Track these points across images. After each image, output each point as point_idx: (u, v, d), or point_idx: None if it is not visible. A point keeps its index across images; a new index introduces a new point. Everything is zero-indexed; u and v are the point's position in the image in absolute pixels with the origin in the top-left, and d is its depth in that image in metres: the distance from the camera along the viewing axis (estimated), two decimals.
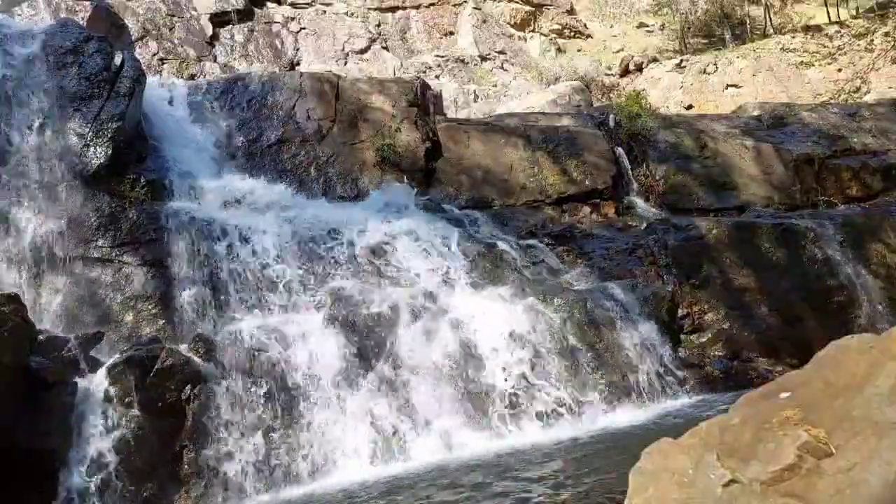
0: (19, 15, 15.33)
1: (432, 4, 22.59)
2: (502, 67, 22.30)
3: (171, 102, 9.90)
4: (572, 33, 25.37)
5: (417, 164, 10.21)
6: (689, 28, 25.68)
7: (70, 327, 6.84)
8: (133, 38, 16.43)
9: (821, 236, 8.78)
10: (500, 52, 22.76)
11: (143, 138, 8.87)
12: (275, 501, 5.54)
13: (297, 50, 19.59)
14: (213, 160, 9.38)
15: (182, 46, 17.31)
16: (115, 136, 8.05)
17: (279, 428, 6.01)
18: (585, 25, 26.28)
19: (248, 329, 6.62)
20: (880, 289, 8.48)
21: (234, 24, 18.63)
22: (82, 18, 14.64)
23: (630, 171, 10.92)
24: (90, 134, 7.97)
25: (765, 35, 23.84)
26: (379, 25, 21.47)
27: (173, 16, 17.72)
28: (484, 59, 22.24)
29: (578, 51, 24.71)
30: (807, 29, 22.75)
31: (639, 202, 10.58)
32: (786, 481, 1.91)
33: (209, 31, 18.15)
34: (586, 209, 10.23)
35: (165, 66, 16.53)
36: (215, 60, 17.66)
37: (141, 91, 8.77)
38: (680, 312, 7.94)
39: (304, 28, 20.12)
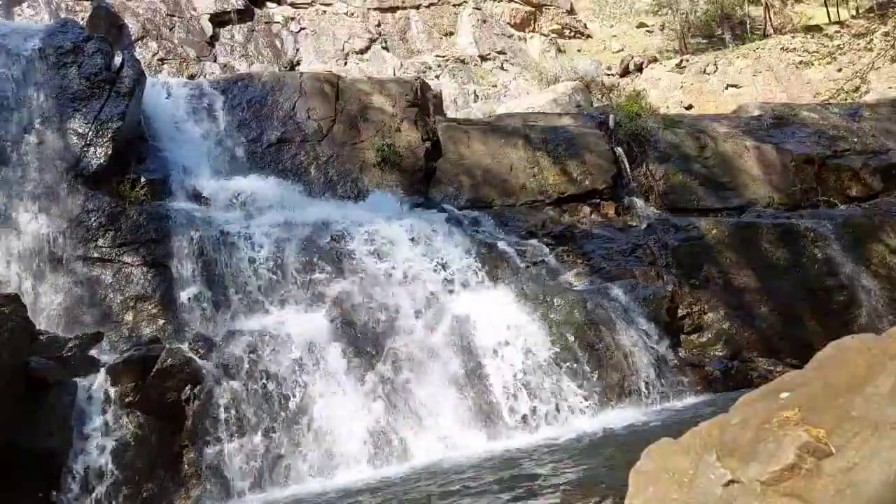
0: (19, 15, 15.32)
1: (432, 4, 22.59)
2: (502, 67, 22.30)
3: (170, 102, 9.90)
4: (572, 33, 25.37)
5: (417, 164, 10.21)
6: (689, 28, 25.68)
7: (70, 327, 6.84)
8: (133, 38, 16.42)
9: (821, 236, 8.77)
10: (500, 52, 22.76)
11: (143, 138, 8.88)
12: (275, 501, 5.54)
13: (297, 50, 19.59)
14: (214, 160, 9.38)
15: (182, 46, 17.31)
16: (115, 136, 8.06)
17: (279, 428, 6.01)
18: (585, 25, 26.29)
19: (248, 329, 6.62)
20: (880, 289, 8.48)
21: (234, 24, 18.62)
22: (82, 18, 14.63)
23: (630, 171, 10.91)
24: (90, 134, 7.98)
25: (765, 35, 23.85)
26: (379, 25, 21.46)
27: (173, 16, 17.72)
28: (484, 59, 22.24)
29: (578, 51, 24.72)
30: (807, 29, 22.75)
31: (639, 202, 10.57)
32: (786, 481, 1.91)
33: (209, 31, 18.14)
34: (586, 209, 10.23)
35: (165, 66, 16.53)
36: (215, 60, 17.66)
37: (141, 91, 8.77)
38: (680, 312, 7.94)
39: (304, 28, 20.12)
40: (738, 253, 8.60)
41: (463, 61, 21.67)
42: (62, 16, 14.84)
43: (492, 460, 5.42)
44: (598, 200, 10.40)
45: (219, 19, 18.44)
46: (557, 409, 6.41)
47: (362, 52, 20.65)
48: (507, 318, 6.99)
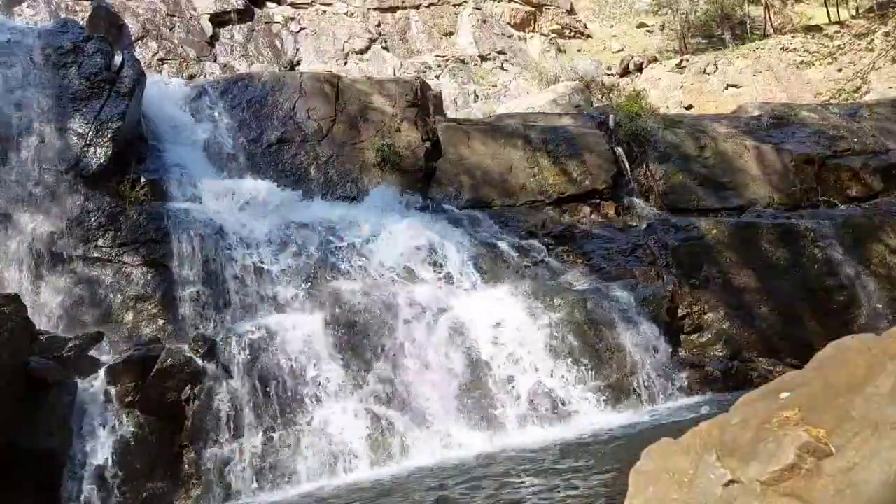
0: (19, 15, 15.32)
1: (432, 4, 22.58)
2: (502, 67, 22.29)
3: (170, 102, 9.90)
4: (572, 33, 25.37)
5: (418, 164, 10.21)
6: (689, 28, 25.67)
7: (70, 327, 6.84)
8: (133, 38, 16.42)
9: (821, 236, 8.77)
10: (500, 52, 22.75)
11: (143, 138, 8.88)
12: (275, 502, 5.54)
13: (297, 50, 19.58)
14: (213, 160, 9.38)
15: (182, 46, 17.30)
16: (115, 136, 8.05)
17: (279, 428, 6.01)
18: (585, 25, 26.29)
19: (248, 329, 6.62)
20: (880, 289, 8.47)
21: (234, 24, 18.62)
22: (82, 18, 14.63)
23: (630, 171, 10.91)
24: (90, 134, 7.98)
25: (765, 35, 23.83)
26: (379, 25, 21.46)
27: (173, 16, 17.72)
28: (484, 59, 22.23)
29: (578, 51, 24.71)
30: (807, 29, 22.73)
31: (639, 202, 10.57)
32: (786, 481, 1.91)
33: (209, 31, 18.14)
34: (586, 209, 10.22)
35: (165, 66, 16.53)
36: (215, 60, 17.65)
37: (141, 91, 8.77)
38: (680, 312, 7.94)
39: (304, 28, 20.12)
40: (738, 253, 8.60)
41: (463, 61, 21.66)
42: (62, 16, 14.84)
43: (491, 460, 5.42)
44: (598, 200, 10.39)
45: (219, 19, 18.44)
46: (557, 410, 6.41)
47: (362, 52, 20.65)
48: (507, 319, 6.99)
